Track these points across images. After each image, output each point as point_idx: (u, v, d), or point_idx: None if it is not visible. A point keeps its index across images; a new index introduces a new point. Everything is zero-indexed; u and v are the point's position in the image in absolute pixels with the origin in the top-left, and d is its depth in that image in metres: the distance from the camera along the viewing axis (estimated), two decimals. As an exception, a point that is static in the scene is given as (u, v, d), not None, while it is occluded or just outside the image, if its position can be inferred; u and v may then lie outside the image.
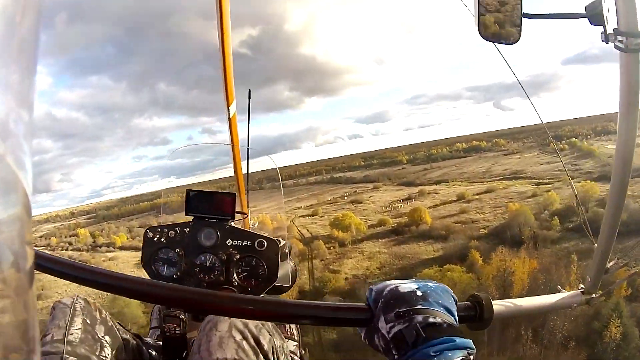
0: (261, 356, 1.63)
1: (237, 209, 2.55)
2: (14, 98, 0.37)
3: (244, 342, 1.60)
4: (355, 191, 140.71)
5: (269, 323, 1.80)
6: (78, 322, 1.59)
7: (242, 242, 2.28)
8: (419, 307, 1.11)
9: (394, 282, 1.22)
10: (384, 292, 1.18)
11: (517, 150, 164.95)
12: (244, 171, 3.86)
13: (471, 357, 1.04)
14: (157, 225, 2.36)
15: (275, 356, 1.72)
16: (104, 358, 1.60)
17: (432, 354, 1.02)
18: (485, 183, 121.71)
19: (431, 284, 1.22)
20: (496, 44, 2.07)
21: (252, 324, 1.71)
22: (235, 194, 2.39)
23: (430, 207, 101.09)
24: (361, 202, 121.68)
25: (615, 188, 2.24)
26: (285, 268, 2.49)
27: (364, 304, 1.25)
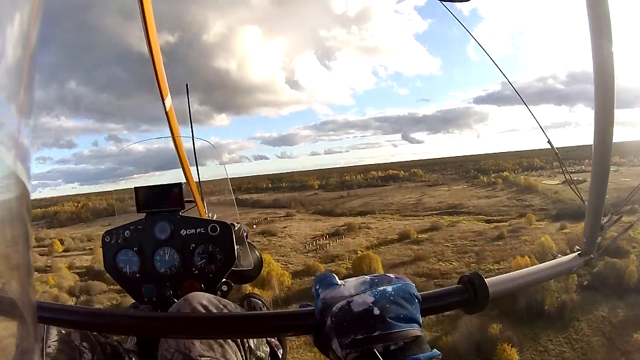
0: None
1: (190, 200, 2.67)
2: (11, 101, 0.36)
3: None
4: (266, 218, 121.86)
5: (233, 304, 1.80)
6: (53, 334, 1.56)
7: (196, 230, 2.29)
8: (378, 333, 1.03)
9: (345, 291, 1.11)
10: (334, 309, 1.08)
11: (440, 181, 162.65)
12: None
13: None
14: (112, 228, 2.38)
15: None
16: None
17: None
18: (422, 217, 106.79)
19: (389, 288, 1.11)
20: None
21: (219, 303, 1.70)
22: (181, 183, 2.38)
23: (369, 247, 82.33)
24: (274, 235, 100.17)
25: (599, 141, 2.20)
26: (245, 252, 2.51)
27: (310, 308, 1.18)
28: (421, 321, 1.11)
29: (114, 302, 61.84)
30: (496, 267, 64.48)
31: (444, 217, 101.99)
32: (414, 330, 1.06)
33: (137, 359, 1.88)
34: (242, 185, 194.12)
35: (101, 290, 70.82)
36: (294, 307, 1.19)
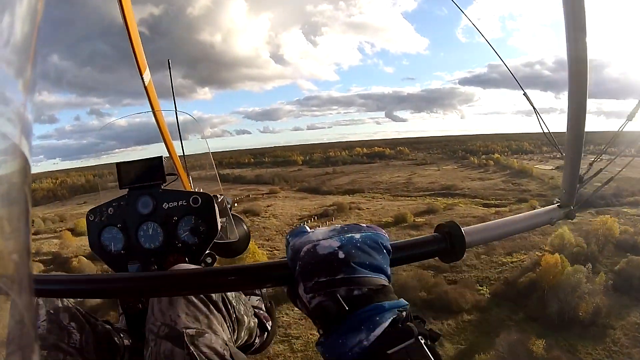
0: (212, 307, 1.63)
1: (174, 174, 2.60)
2: (11, 92, 0.36)
3: (193, 297, 1.61)
4: (248, 196, 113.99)
5: None
6: (42, 314, 1.59)
7: (178, 203, 2.27)
8: (341, 276, 1.03)
9: (312, 237, 1.13)
10: (301, 253, 1.10)
11: (428, 160, 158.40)
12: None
13: (404, 313, 1.01)
14: (95, 206, 2.36)
15: (228, 306, 1.72)
16: (73, 344, 1.62)
17: (356, 325, 0.98)
18: (415, 198, 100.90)
19: (357, 235, 1.12)
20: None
21: None
22: (162, 157, 2.36)
23: None
24: (258, 214, 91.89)
25: (574, 86, 2.13)
26: (230, 225, 2.51)
27: (285, 259, 1.20)
28: (389, 273, 1.11)
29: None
30: (509, 259, 59.00)
31: (438, 199, 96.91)
32: (380, 279, 1.06)
33: (127, 337, 1.92)
34: (224, 159, 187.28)
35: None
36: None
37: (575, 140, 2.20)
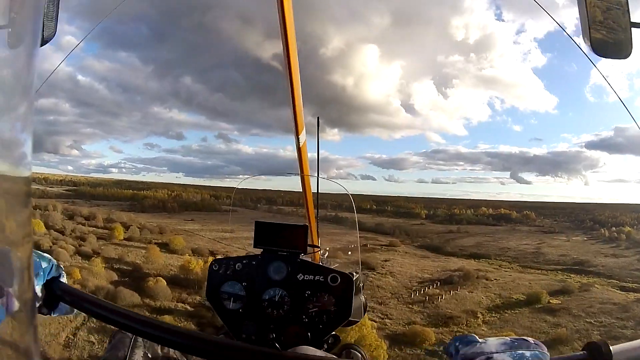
0: None
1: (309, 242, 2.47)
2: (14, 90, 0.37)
3: None
4: (366, 245, 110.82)
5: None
6: (139, 355, 1.53)
7: (314, 277, 2.18)
8: None
9: (485, 348, 1.14)
10: None
11: (555, 228, 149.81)
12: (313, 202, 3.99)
13: None
14: (223, 257, 2.36)
15: None
16: None
17: None
18: (546, 273, 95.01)
19: (527, 353, 1.13)
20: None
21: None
22: (307, 226, 2.29)
23: (491, 309, 70.60)
24: (374, 269, 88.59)
25: None
26: (357, 302, 2.35)
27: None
28: None
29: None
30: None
31: (571, 275, 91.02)
32: None
33: None
34: (345, 203, 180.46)
35: (130, 304, 54.87)
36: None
37: None
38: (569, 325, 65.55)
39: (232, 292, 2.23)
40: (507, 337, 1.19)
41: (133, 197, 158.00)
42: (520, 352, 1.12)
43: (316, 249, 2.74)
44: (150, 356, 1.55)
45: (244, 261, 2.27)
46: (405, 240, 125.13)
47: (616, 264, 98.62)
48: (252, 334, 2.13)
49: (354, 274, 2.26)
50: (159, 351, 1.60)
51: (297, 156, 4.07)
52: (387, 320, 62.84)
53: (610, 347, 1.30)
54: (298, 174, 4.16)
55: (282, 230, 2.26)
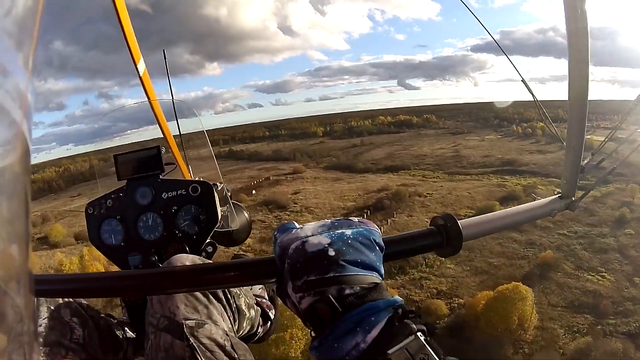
0: (211, 297, 1.61)
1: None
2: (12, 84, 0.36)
3: None
4: (268, 178, 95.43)
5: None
6: (43, 311, 1.58)
7: (177, 192, 2.25)
8: (332, 275, 0.99)
9: (301, 233, 1.09)
10: (290, 250, 1.07)
11: (462, 129, 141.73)
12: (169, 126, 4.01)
13: (399, 310, 0.97)
14: (94, 199, 2.34)
15: (228, 296, 1.69)
16: (76, 340, 1.62)
17: (352, 327, 0.95)
18: (479, 178, 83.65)
19: (348, 231, 1.08)
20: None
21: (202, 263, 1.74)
22: (159, 146, 2.33)
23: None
24: (285, 207, 75.31)
25: (575, 74, 2.13)
26: (231, 213, 2.48)
27: (272, 256, 1.16)
28: (382, 270, 1.07)
29: None
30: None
31: (506, 177, 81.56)
32: (373, 277, 1.03)
33: (130, 330, 1.94)
34: (237, 134, 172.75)
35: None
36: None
37: (577, 131, 2.16)
38: (543, 241, 56.43)
39: (110, 229, 2.25)
40: (327, 220, 1.15)
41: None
42: (339, 231, 1.07)
43: (173, 166, 2.55)
44: (53, 307, 1.60)
45: (113, 196, 2.28)
46: (309, 163, 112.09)
47: (546, 160, 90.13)
48: (139, 264, 2.15)
49: (218, 184, 2.34)
50: (60, 299, 1.66)
51: (141, 84, 4.01)
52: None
53: (459, 222, 1.31)
54: (145, 101, 4.00)
55: (137, 157, 2.29)
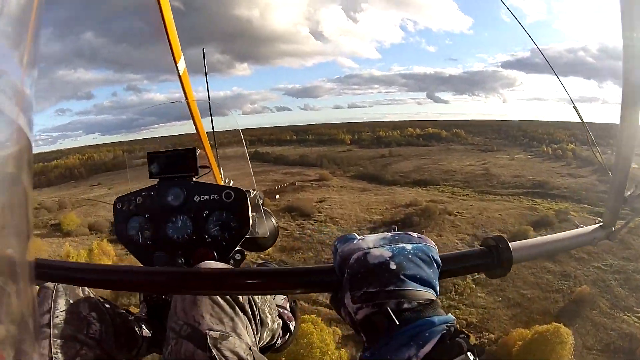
0: (237, 309, 1.59)
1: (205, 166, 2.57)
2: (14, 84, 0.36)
3: (219, 297, 1.57)
4: (294, 183, 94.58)
5: None
6: (62, 304, 1.58)
7: (210, 197, 2.25)
8: (391, 288, 1.02)
9: (363, 244, 1.11)
10: (351, 260, 1.09)
11: (491, 146, 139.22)
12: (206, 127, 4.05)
13: (452, 328, 0.99)
14: (124, 194, 2.37)
15: (254, 308, 1.68)
16: (92, 335, 1.61)
17: (406, 341, 0.97)
18: (509, 199, 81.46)
19: (409, 246, 1.10)
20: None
21: None
22: (195, 148, 2.34)
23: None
24: (309, 216, 73.27)
25: (629, 100, 1.98)
26: (260, 219, 2.46)
27: (331, 264, 1.19)
28: (438, 287, 1.10)
29: None
30: None
31: (537, 201, 79.29)
32: (429, 293, 1.05)
33: (147, 327, 1.93)
34: (264, 136, 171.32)
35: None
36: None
37: (623, 161, 2.08)
38: (577, 273, 54.68)
39: (137, 226, 2.25)
40: (388, 233, 1.17)
41: (42, 170, 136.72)
42: (400, 245, 1.10)
43: (208, 170, 2.61)
44: (72, 301, 1.60)
45: (143, 193, 2.28)
46: (336, 171, 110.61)
47: (578, 185, 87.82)
48: (165, 263, 2.16)
49: (251, 191, 2.33)
50: (80, 294, 1.66)
51: (180, 84, 4.12)
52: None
53: (509, 244, 1.33)
54: (183, 101, 4.22)
55: (172, 157, 2.29)
